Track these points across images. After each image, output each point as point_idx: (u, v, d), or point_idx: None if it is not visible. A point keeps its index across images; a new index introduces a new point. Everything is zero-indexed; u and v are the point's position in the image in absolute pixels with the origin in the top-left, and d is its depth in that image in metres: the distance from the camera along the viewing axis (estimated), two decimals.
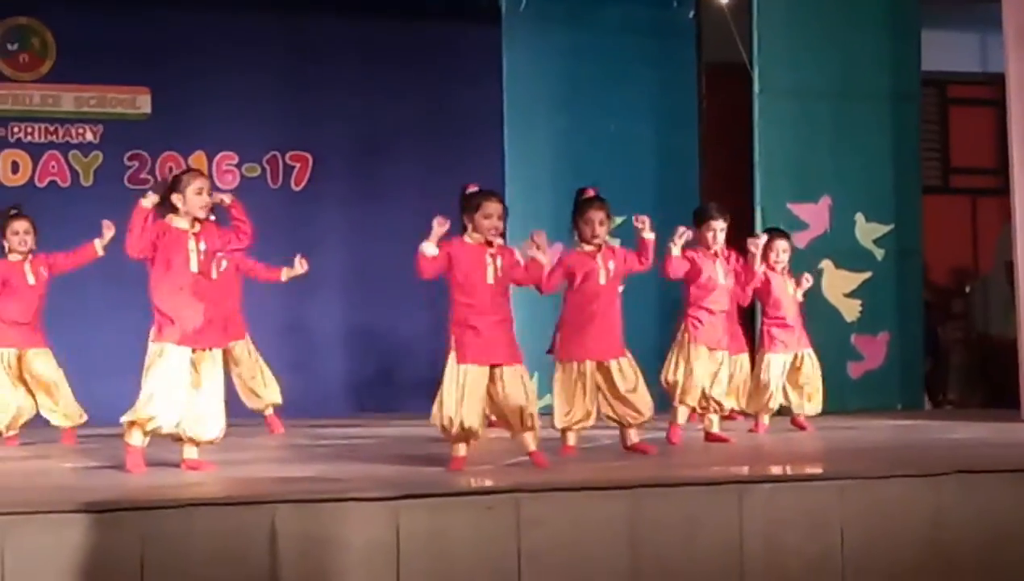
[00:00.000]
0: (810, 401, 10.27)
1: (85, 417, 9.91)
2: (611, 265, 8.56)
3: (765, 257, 9.96)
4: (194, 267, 7.76)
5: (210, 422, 7.78)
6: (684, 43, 13.30)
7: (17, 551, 5.70)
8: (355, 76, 13.13)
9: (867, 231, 12.48)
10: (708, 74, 13.48)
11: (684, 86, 13.25)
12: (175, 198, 7.79)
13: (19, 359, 9.87)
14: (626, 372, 8.49)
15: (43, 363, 9.88)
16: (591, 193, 8.65)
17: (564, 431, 8.59)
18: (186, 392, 7.67)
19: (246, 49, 12.83)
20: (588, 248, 8.58)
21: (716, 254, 9.38)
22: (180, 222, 7.79)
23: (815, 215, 12.25)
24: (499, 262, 7.82)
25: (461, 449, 7.68)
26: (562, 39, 12.91)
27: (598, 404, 8.53)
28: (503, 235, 8.04)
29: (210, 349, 7.80)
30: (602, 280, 8.51)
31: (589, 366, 8.50)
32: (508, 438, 8.07)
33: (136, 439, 7.69)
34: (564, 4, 12.95)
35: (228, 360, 10.00)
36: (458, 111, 13.20)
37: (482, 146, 12.84)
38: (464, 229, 7.91)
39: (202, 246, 7.81)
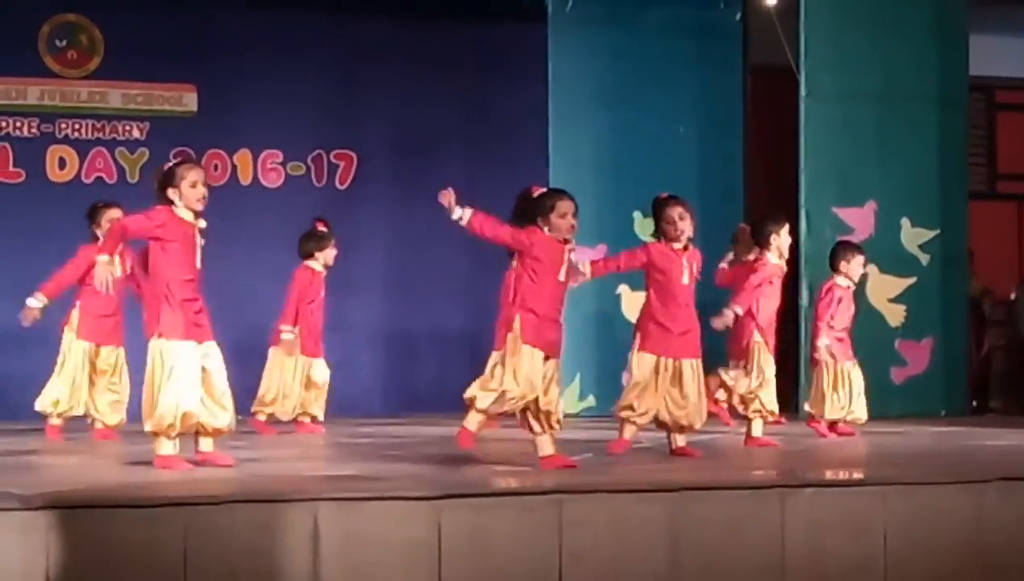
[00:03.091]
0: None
1: (117, 419, 9.95)
2: (695, 267, 8.53)
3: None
4: (198, 263, 7.65)
5: (221, 412, 7.66)
6: (731, 45, 13.29)
7: (60, 545, 5.73)
8: (400, 76, 13.16)
9: (912, 236, 12.44)
10: (754, 77, 13.47)
11: (730, 88, 13.24)
12: (171, 193, 7.59)
13: (92, 352, 9.96)
14: (697, 376, 8.47)
15: (108, 359, 9.96)
16: (666, 195, 8.63)
17: (624, 422, 8.54)
18: (198, 386, 7.59)
19: (292, 48, 12.88)
20: (676, 246, 8.51)
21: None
22: (184, 213, 7.61)
23: (860, 219, 12.21)
24: (573, 258, 7.81)
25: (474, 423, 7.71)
26: (608, 40, 12.91)
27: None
28: None
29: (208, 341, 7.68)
30: (685, 280, 8.47)
31: (670, 363, 8.45)
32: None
33: (166, 448, 7.60)
34: (610, 5, 12.96)
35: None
36: (502, 112, 13.22)
37: (526, 147, 12.86)
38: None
39: (201, 241, 7.66)
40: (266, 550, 5.94)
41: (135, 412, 9.63)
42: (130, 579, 5.77)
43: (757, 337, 9.53)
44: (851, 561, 6.60)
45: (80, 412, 9.99)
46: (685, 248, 8.50)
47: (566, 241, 7.74)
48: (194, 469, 7.52)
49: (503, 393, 7.51)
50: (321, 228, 10.84)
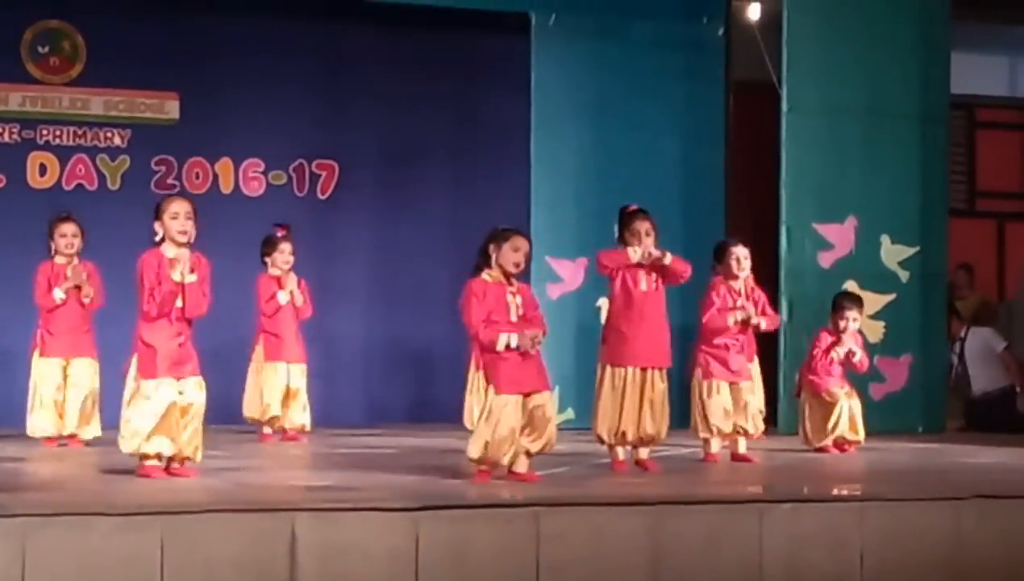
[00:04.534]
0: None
1: (99, 434, 9.93)
2: (653, 274, 8.49)
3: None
4: (179, 302, 7.70)
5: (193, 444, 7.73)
6: (713, 60, 13.30)
7: (37, 552, 5.71)
8: (383, 86, 13.16)
9: (892, 253, 12.45)
10: (736, 91, 13.49)
11: (712, 103, 13.24)
12: (156, 226, 7.72)
13: (64, 369, 9.94)
14: (659, 385, 8.46)
15: (80, 373, 9.93)
16: (634, 207, 8.63)
17: (609, 448, 8.55)
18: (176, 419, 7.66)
19: (275, 57, 12.86)
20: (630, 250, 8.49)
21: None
22: (169, 252, 7.72)
23: (840, 235, 12.22)
24: (519, 301, 7.74)
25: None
26: (590, 53, 12.91)
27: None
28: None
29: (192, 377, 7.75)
30: (643, 286, 8.47)
31: (632, 372, 8.44)
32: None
33: (151, 464, 7.69)
34: (593, 18, 12.95)
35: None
36: (485, 123, 13.22)
37: (509, 158, 12.87)
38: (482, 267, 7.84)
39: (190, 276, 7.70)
40: (244, 560, 5.94)
41: (112, 418, 9.66)
42: None
43: None
44: (829, 577, 6.61)
45: (68, 432, 9.95)
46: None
47: (508, 282, 7.72)
48: (172, 479, 7.53)
49: (486, 444, 7.54)
50: (276, 232, 10.96)
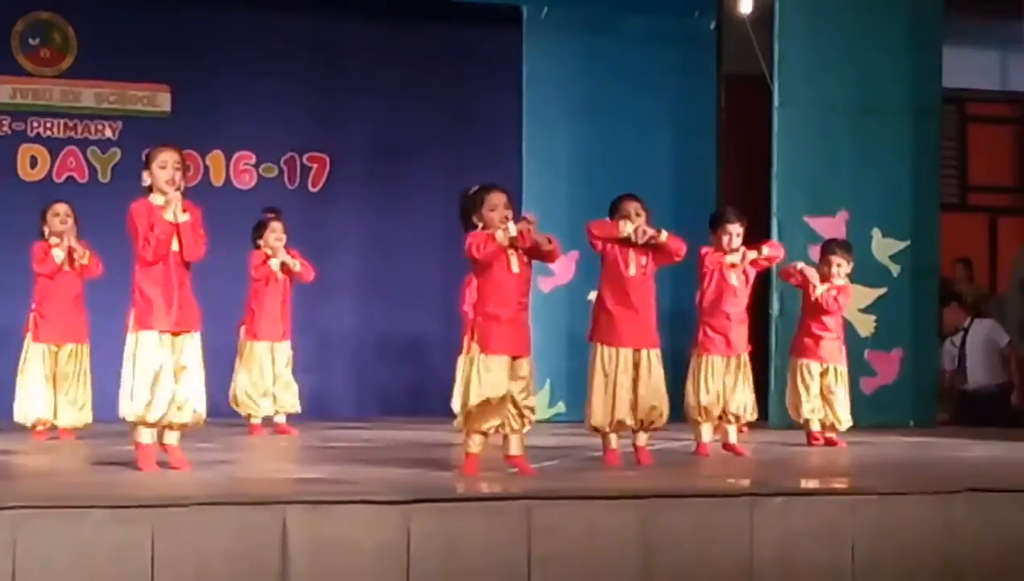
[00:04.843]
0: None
1: (90, 420, 9.90)
2: (643, 259, 8.48)
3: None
4: (175, 246, 7.61)
5: (190, 405, 7.63)
6: (704, 54, 13.32)
7: (28, 544, 5.71)
8: (374, 79, 13.15)
9: (883, 247, 12.47)
10: (728, 85, 13.51)
11: (703, 97, 13.27)
12: (145, 175, 7.64)
13: (56, 354, 9.90)
14: (653, 366, 8.45)
15: (71, 359, 9.91)
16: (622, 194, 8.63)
17: (599, 432, 8.54)
18: (171, 377, 7.57)
19: (267, 49, 12.86)
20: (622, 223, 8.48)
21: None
22: (157, 200, 7.61)
23: (832, 229, 12.22)
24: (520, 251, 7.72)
25: (475, 445, 7.65)
26: (582, 47, 12.93)
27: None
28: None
29: (189, 332, 7.65)
30: (632, 271, 8.46)
31: (621, 352, 8.40)
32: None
33: (146, 437, 7.62)
34: (585, 12, 12.97)
35: None
36: (477, 116, 13.22)
37: (500, 151, 12.87)
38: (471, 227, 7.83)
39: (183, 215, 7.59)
40: (235, 553, 5.93)
41: (104, 408, 9.64)
42: (98, 579, 5.75)
43: None
44: (820, 570, 6.61)
45: (55, 420, 9.91)
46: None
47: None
48: (160, 472, 7.51)
49: (472, 403, 7.52)
50: (266, 215, 10.96)
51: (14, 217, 11.45)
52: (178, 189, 7.64)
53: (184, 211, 7.60)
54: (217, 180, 12.90)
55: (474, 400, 7.53)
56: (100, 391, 9.82)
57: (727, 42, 13.42)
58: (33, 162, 12.52)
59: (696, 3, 13.25)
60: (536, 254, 7.77)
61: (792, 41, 12.37)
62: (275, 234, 10.93)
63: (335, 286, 12.80)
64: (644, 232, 8.38)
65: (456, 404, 10.82)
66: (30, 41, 12.59)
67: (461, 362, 10.08)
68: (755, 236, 10.56)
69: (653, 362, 8.40)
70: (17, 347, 10.11)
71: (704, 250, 9.44)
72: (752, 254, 9.41)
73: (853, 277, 11.67)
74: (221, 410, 11.26)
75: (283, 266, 10.86)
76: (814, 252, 11.85)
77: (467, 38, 13.25)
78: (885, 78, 12.59)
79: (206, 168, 12.87)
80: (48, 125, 12.57)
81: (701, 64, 13.29)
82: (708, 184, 13.12)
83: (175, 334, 7.58)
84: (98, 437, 9.54)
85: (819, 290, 10.15)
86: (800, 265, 10.41)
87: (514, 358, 7.61)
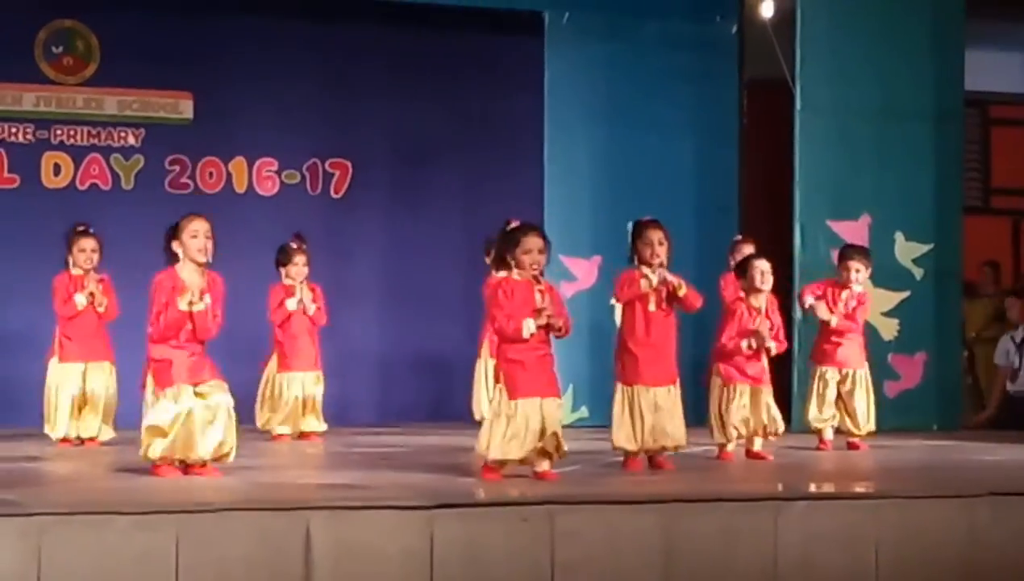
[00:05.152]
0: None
1: (114, 435, 9.98)
2: (663, 293, 8.46)
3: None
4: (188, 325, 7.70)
5: (223, 444, 7.75)
6: (726, 59, 13.30)
7: (53, 551, 5.73)
8: (397, 85, 13.16)
9: (906, 250, 12.44)
10: (749, 90, 13.48)
11: (725, 102, 13.24)
12: (175, 245, 7.73)
13: (83, 373, 10.00)
14: (671, 401, 8.46)
15: (98, 378, 9.98)
16: (647, 218, 8.60)
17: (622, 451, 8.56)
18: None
19: (289, 56, 12.88)
20: (647, 271, 8.49)
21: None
22: (187, 272, 7.74)
23: (855, 233, 12.19)
24: (547, 299, 7.71)
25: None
26: (604, 52, 12.92)
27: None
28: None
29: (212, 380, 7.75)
30: (652, 307, 8.45)
31: (643, 391, 8.42)
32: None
33: (166, 466, 7.74)
34: (606, 17, 12.95)
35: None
36: (499, 123, 13.22)
37: (522, 158, 12.87)
38: (503, 264, 7.86)
39: (207, 300, 7.72)
40: (258, 559, 5.95)
41: (127, 420, 9.70)
42: None
43: None
44: (843, 574, 6.61)
45: (86, 434, 10.00)
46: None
47: (536, 279, 7.72)
48: (187, 478, 7.56)
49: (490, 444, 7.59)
50: (291, 243, 10.93)
51: (37, 225, 11.51)
52: (208, 261, 7.70)
53: (202, 296, 7.68)
54: (240, 187, 12.93)
55: None
56: (123, 399, 9.89)
57: (749, 47, 13.39)
58: (56, 170, 12.55)
59: (718, 8, 13.23)
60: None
61: (814, 45, 12.34)
62: (296, 269, 10.90)
63: (357, 292, 12.83)
64: (665, 280, 8.37)
65: (478, 410, 10.91)
66: (53, 49, 12.63)
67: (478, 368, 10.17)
68: (779, 242, 10.57)
69: (674, 397, 8.45)
70: (41, 351, 10.17)
71: (737, 301, 9.48)
72: (772, 345, 9.37)
73: (876, 281, 11.69)
74: (241, 418, 11.32)
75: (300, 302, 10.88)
76: (837, 256, 11.86)
77: (488, 44, 13.25)
78: (907, 82, 12.55)
79: (228, 175, 12.89)
80: (71, 133, 12.61)
81: (723, 69, 13.27)
82: (730, 189, 13.10)
83: (196, 384, 7.68)
84: (122, 444, 9.57)
85: (833, 322, 10.14)
86: (809, 302, 10.31)
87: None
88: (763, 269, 9.48)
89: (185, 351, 7.69)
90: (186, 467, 7.73)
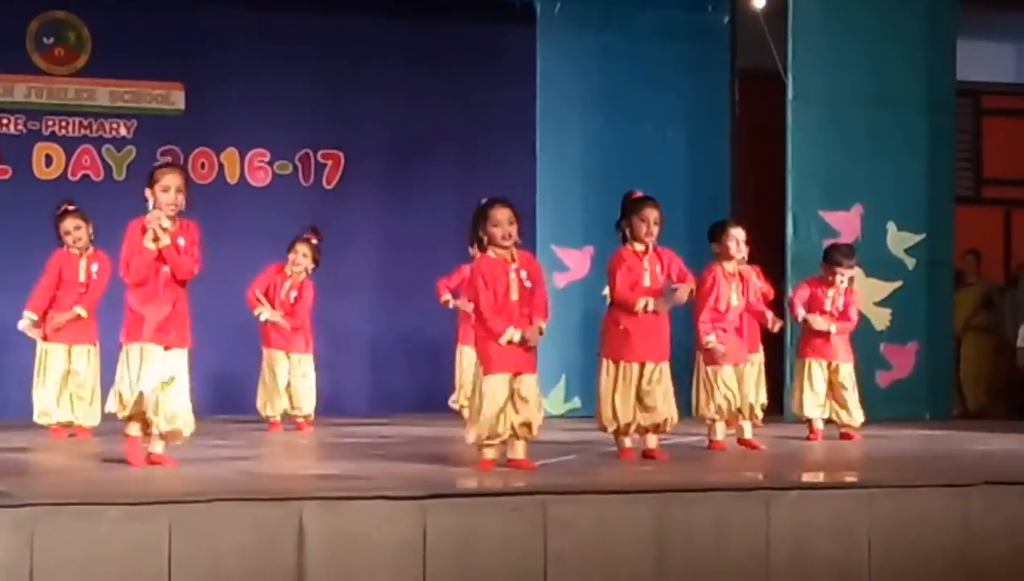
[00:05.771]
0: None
1: (99, 421, 9.95)
2: (656, 267, 8.43)
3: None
4: (165, 267, 7.66)
5: (180, 418, 7.70)
6: (718, 48, 13.31)
7: (45, 542, 5.72)
8: (388, 76, 13.16)
9: (899, 240, 12.46)
10: (742, 80, 13.49)
11: (717, 91, 13.26)
12: (148, 194, 7.69)
13: (68, 354, 9.98)
14: (663, 378, 8.40)
15: (82, 360, 9.96)
16: (640, 194, 8.55)
17: (614, 433, 8.52)
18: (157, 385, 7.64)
19: (280, 47, 12.87)
20: (638, 247, 8.45)
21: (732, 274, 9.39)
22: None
23: (847, 223, 12.22)
24: (523, 275, 7.69)
25: (489, 452, 7.66)
26: (596, 42, 12.93)
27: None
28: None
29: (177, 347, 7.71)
30: (647, 282, 8.41)
31: (633, 367, 8.37)
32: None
33: (134, 429, 7.73)
34: (599, 8, 12.96)
35: None
36: (491, 113, 13.22)
37: (514, 148, 12.88)
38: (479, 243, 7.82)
39: (180, 242, 7.66)
40: (251, 549, 5.94)
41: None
42: (115, 576, 5.76)
43: None
44: (836, 564, 6.61)
45: (70, 418, 9.99)
46: (646, 250, 8.45)
47: (513, 259, 7.69)
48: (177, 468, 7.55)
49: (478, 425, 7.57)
50: (304, 233, 10.94)
51: (29, 216, 11.49)
52: (179, 212, 7.67)
53: (164, 232, 7.60)
54: (232, 178, 12.93)
55: None
56: (108, 385, 9.88)
57: (741, 37, 13.40)
58: (48, 161, 12.54)
59: None
60: None
61: (806, 35, 12.36)
62: (295, 256, 10.94)
63: (350, 282, 12.83)
64: (664, 305, 8.34)
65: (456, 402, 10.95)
66: (45, 40, 12.61)
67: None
68: (771, 230, 10.58)
69: (664, 373, 8.40)
70: (34, 342, 10.16)
71: (711, 266, 9.42)
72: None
73: (868, 270, 11.72)
74: (236, 408, 11.35)
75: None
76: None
77: (481, 35, 13.25)
78: (900, 72, 12.57)
79: (221, 166, 12.89)
80: (63, 124, 12.60)
81: (715, 59, 13.28)
82: (722, 179, 13.12)
83: (166, 348, 7.64)
84: (112, 434, 9.56)
85: (833, 329, 10.12)
86: (801, 314, 10.17)
87: None
88: (738, 237, 9.42)
89: (159, 307, 7.61)
90: (147, 434, 7.71)
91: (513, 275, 7.64)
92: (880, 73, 12.51)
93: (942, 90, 12.76)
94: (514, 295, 7.62)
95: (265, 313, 10.85)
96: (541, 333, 7.63)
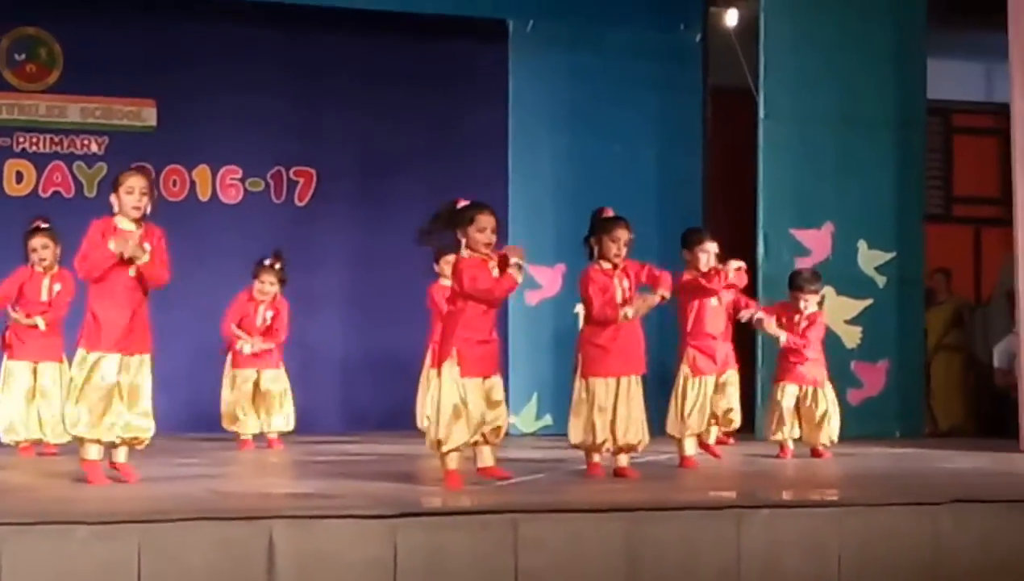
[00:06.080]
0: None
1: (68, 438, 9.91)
2: (625, 284, 8.47)
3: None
4: (131, 271, 7.62)
5: (141, 424, 7.68)
6: (690, 67, 13.35)
7: (13, 562, 5.69)
8: (361, 93, 13.15)
9: (869, 258, 12.50)
10: (713, 98, 13.53)
11: (689, 110, 13.29)
12: (112, 198, 7.67)
13: (34, 371, 9.92)
14: (635, 394, 8.42)
15: (48, 378, 9.92)
16: (611, 212, 8.57)
17: (585, 451, 8.52)
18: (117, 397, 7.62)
19: (252, 64, 12.86)
20: (606, 266, 8.48)
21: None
22: (124, 224, 7.66)
23: (817, 241, 12.26)
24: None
25: (453, 461, 7.66)
26: (568, 61, 12.96)
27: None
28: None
29: (139, 354, 7.67)
30: (618, 299, 8.41)
31: (610, 382, 8.38)
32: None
33: (93, 453, 7.69)
34: (571, 26, 12.99)
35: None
36: (463, 130, 13.22)
37: (486, 166, 12.88)
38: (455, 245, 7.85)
39: (146, 246, 7.60)
40: (221, 568, 5.92)
41: None
42: None
43: None
44: None
45: (35, 436, 9.95)
46: (614, 268, 8.46)
47: (487, 258, 7.73)
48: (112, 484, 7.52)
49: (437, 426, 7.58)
50: (265, 260, 10.96)
51: (0, 232, 11.43)
52: (144, 215, 7.64)
53: (142, 240, 7.57)
54: (204, 195, 12.90)
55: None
56: None
57: (712, 55, 13.45)
58: (19, 177, 12.51)
59: (682, 16, 13.28)
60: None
61: (777, 54, 12.40)
62: (262, 286, 10.91)
63: (321, 300, 12.81)
64: (642, 309, 8.36)
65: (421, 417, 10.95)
66: (16, 56, 12.58)
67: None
68: (742, 249, 10.58)
69: (633, 388, 8.41)
70: None
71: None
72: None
73: (839, 289, 11.76)
74: (206, 426, 11.31)
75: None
76: (800, 264, 11.89)
77: (453, 53, 13.25)
78: (870, 90, 12.62)
79: (192, 182, 12.87)
80: (34, 140, 12.57)
81: (687, 77, 13.32)
82: (693, 197, 13.14)
83: (128, 354, 7.61)
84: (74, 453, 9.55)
85: (782, 338, 10.16)
86: (758, 315, 10.18)
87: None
88: (711, 250, 9.54)
89: (119, 314, 7.57)
90: (110, 451, 7.68)
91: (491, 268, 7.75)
92: (851, 92, 12.56)
93: (912, 108, 12.81)
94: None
95: (247, 346, 10.79)
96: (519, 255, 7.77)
